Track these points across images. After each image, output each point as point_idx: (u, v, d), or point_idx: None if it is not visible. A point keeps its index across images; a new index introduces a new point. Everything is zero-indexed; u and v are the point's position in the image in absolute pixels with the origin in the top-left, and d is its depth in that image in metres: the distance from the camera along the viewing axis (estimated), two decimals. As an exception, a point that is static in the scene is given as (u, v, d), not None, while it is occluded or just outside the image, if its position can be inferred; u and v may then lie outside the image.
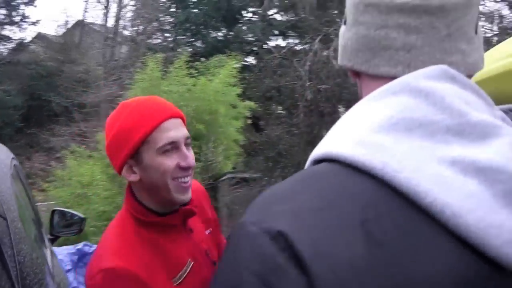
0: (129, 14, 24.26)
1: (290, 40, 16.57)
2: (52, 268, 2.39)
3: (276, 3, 11.95)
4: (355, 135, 0.80)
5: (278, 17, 19.42)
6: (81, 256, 6.37)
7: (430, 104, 0.77)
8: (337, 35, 9.77)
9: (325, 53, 9.87)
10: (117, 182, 11.03)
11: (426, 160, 0.73)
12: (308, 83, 9.82)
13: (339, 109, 10.89)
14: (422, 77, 0.81)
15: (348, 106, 10.62)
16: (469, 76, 0.90)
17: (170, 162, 1.70)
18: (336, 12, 11.79)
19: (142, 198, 1.76)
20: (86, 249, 6.82)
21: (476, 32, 0.89)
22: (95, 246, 6.91)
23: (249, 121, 13.87)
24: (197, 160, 11.39)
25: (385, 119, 0.79)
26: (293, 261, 0.69)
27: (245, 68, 17.08)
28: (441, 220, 0.71)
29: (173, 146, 1.71)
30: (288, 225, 0.72)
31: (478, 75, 2.28)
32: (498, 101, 2.08)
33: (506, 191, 0.70)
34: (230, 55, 13.70)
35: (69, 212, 4.14)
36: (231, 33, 20.01)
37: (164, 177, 1.69)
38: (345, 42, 0.98)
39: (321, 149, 0.84)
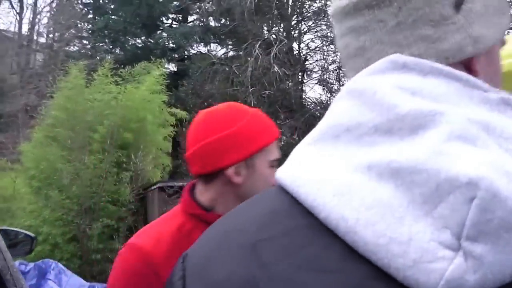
0: (45, 21, 23.62)
1: (225, 47, 16.45)
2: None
3: (211, 9, 11.87)
4: (293, 153, 0.74)
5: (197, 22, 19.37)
6: (18, 275, 6.08)
7: (362, 103, 0.67)
8: (277, 40, 9.76)
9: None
10: (43, 195, 10.67)
11: (340, 169, 0.64)
12: (251, 89, 9.77)
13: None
14: (364, 75, 0.71)
15: (290, 110, 10.65)
16: (457, 64, 0.74)
17: (272, 178, 1.70)
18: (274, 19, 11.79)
19: (219, 201, 1.72)
20: (22, 268, 6.54)
21: (457, 9, 0.74)
22: (31, 265, 6.65)
23: (184, 129, 13.78)
24: (126, 169, 11.14)
25: (317, 130, 0.71)
26: (182, 280, 0.72)
27: (177, 75, 16.99)
28: (339, 237, 0.59)
29: (275, 164, 1.74)
30: (195, 247, 0.76)
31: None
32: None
33: (425, 195, 0.55)
34: (155, 62, 13.56)
35: (13, 231, 3.85)
36: (150, 40, 19.80)
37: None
38: None
39: None
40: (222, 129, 1.66)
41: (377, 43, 0.76)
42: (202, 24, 15.00)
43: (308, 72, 11.80)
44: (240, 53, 11.01)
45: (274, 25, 11.61)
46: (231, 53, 13.84)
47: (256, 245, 0.66)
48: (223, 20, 13.24)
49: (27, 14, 26.12)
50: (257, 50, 9.78)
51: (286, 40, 10.32)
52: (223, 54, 14.37)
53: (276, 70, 9.62)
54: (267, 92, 9.88)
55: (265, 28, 11.23)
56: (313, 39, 11.73)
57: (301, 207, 0.65)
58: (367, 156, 0.62)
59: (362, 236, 0.57)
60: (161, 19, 20.63)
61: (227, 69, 10.74)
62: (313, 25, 11.85)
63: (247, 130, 1.67)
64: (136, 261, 1.60)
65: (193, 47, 19.53)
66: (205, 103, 12.36)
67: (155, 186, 11.86)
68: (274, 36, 11.10)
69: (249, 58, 10.00)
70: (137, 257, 1.60)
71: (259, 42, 9.98)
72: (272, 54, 9.66)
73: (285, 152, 0.98)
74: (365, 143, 0.64)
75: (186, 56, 19.19)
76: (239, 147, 1.66)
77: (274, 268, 0.62)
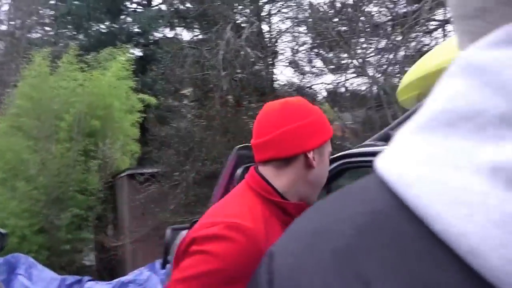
0: (5, 7, 23.12)
1: (192, 30, 16.20)
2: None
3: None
4: (395, 139, 0.61)
5: (163, 7, 19.10)
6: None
7: (484, 84, 0.53)
8: (247, 22, 9.57)
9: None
10: (9, 187, 10.46)
11: (457, 168, 0.52)
12: (224, 73, 9.62)
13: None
14: (483, 48, 0.56)
15: (262, 94, 10.55)
16: None
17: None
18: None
19: (292, 186, 1.81)
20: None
21: None
22: (0, 260, 6.46)
23: (152, 115, 13.67)
24: (94, 157, 11.01)
25: (423, 116, 0.58)
26: (268, 285, 0.61)
27: (143, 60, 16.79)
28: (457, 255, 0.49)
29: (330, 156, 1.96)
30: (282, 246, 0.64)
31: (424, 70, 2.29)
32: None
33: None
34: (120, 48, 13.39)
35: (-19, 227, 3.68)
36: (115, 25, 19.50)
37: (326, 178, 1.91)
38: None
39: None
40: (304, 117, 1.82)
41: (503, 4, 0.57)
42: (170, 8, 14.78)
43: (275, 54, 11.72)
44: (210, 35, 10.83)
45: (243, 7, 11.46)
46: (200, 37, 13.64)
47: (355, 253, 0.54)
48: (190, 4, 13.02)
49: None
50: (228, 33, 9.62)
51: (257, 22, 10.20)
52: (191, 38, 14.19)
53: (248, 52, 9.49)
54: (239, 75, 9.77)
55: (230, 10, 11.06)
56: (284, 20, 11.65)
57: (408, 211, 0.53)
58: (490, 154, 0.50)
59: (487, 260, 0.45)
60: (125, 3, 20.34)
61: (196, 53, 10.57)
62: (282, 6, 11.77)
63: (321, 120, 1.86)
64: (251, 242, 1.50)
65: (159, 31, 19.32)
66: (173, 88, 12.22)
67: (124, 174, 11.74)
68: (245, 18, 10.99)
69: (219, 41, 9.84)
70: (249, 238, 1.50)
71: (230, 25, 9.82)
72: (244, 37, 9.51)
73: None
74: (487, 137, 0.51)
75: (152, 41, 18.97)
76: (318, 134, 1.83)
77: (378, 287, 0.50)
